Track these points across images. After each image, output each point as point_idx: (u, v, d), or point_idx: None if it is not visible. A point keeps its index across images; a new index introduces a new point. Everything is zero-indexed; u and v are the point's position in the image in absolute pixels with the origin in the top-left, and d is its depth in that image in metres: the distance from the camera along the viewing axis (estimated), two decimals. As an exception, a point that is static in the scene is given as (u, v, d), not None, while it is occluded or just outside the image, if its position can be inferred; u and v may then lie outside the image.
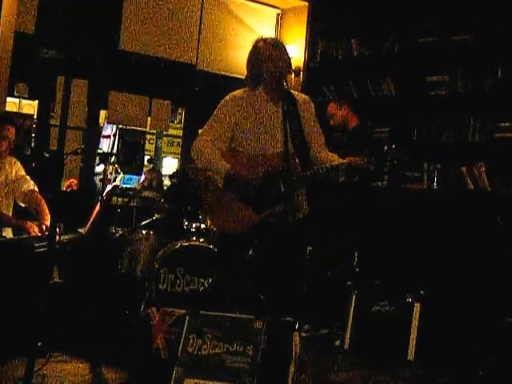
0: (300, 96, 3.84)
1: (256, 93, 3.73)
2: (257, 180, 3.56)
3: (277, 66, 3.63)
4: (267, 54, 3.65)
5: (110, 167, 5.88)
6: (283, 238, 3.56)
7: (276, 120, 3.67)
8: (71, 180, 6.91)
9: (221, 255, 4.27)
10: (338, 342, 4.90)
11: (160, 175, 8.41)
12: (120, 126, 7.99)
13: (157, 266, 4.81)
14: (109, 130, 11.69)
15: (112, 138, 11.81)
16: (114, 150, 9.79)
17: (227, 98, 3.76)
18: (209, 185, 3.73)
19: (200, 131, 3.80)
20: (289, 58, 3.74)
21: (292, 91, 3.74)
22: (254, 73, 3.71)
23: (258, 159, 3.63)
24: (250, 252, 3.96)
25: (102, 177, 5.76)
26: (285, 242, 3.57)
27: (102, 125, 9.13)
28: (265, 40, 3.76)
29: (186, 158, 7.61)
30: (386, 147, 3.47)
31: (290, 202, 3.41)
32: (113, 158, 5.87)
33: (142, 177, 8.30)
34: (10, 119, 4.97)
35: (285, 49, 3.73)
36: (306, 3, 7.33)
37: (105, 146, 10.35)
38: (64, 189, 6.71)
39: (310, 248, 5.53)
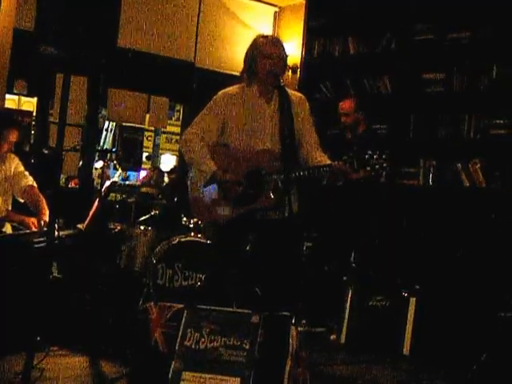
0: (295, 94, 3.84)
1: (249, 89, 3.75)
2: (240, 185, 3.58)
3: (274, 63, 3.66)
4: (266, 50, 3.67)
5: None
6: (274, 234, 3.61)
7: (266, 117, 3.70)
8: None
9: (213, 249, 4.31)
10: (334, 337, 4.94)
11: (161, 173, 8.44)
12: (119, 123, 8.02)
13: (155, 261, 4.83)
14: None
15: (104, 132, 11.85)
16: (109, 146, 9.82)
17: (219, 93, 3.78)
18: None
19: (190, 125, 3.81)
20: (286, 56, 3.77)
21: (287, 89, 3.77)
22: (250, 68, 3.73)
23: (244, 155, 3.64)
24: (247, 248, 4.00)
25: (100, 173, 5.79)
26: (276, 238, 3.61)
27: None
28: (265, 37, 3.79)
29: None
30: (369, 152, 3.47)
31: (280, 199, 3.47)
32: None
33: (144, 173, 8.34)
34: (14, 121, 4.99)
35: (283, 47, 3.76)
36: (303, 1, 7.34)
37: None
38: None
39: (307, 244, 5.60)
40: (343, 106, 5.46)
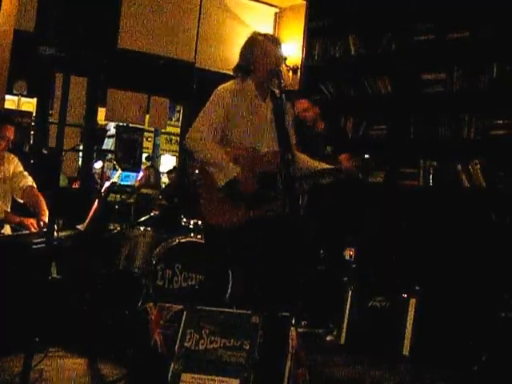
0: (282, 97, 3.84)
1: (245, 86, 3.72)
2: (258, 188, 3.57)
3: (271, 61, 3.65)
4: (264, 48, 3.66)
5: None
6: (278, 233, 3.60)
7: (265, 117, 3.69)
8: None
9: (211, 248, 4.30)
10: (331, 338, 4.94)
11: (158, 172, 8.44)
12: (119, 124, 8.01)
13: (154, 262, 4.83)
14: (113, 129, 11.78)
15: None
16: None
17: (220, 88, 3.72)
18: (205, 176, 3.73)
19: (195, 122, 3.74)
20: (282, 56, 3.77)
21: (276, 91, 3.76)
22: (246, 63, 3.70)
23: (254, 156, 3.62)
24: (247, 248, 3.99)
25: (100, 173, 5.78)
26: (280, 237, 3.60)
27: (104, 123, 9.15)
28: (264, 35, 3.77)
29: (183, 156, 7.63)
30: (367, 156, 3.50)
31: (288, 199, 3.46)
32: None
33: (140, 174, 8.33)
34: (9, 118, 4.99)
35: (280, 46, 3.76)
36: (304, 2, 7.34)
37: (109, 145, 10.37)
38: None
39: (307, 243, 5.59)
40: (300, 103, 5.48)
